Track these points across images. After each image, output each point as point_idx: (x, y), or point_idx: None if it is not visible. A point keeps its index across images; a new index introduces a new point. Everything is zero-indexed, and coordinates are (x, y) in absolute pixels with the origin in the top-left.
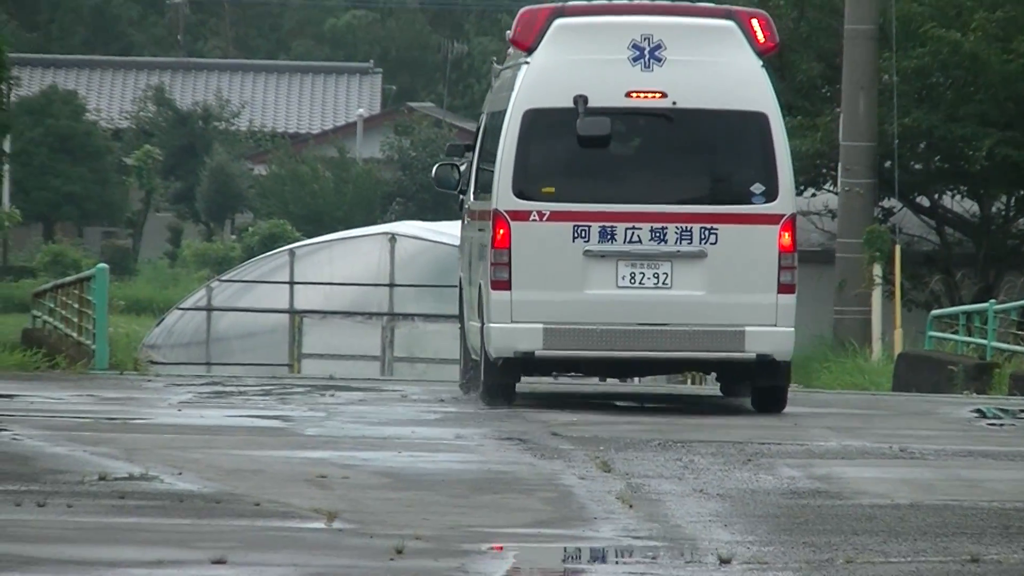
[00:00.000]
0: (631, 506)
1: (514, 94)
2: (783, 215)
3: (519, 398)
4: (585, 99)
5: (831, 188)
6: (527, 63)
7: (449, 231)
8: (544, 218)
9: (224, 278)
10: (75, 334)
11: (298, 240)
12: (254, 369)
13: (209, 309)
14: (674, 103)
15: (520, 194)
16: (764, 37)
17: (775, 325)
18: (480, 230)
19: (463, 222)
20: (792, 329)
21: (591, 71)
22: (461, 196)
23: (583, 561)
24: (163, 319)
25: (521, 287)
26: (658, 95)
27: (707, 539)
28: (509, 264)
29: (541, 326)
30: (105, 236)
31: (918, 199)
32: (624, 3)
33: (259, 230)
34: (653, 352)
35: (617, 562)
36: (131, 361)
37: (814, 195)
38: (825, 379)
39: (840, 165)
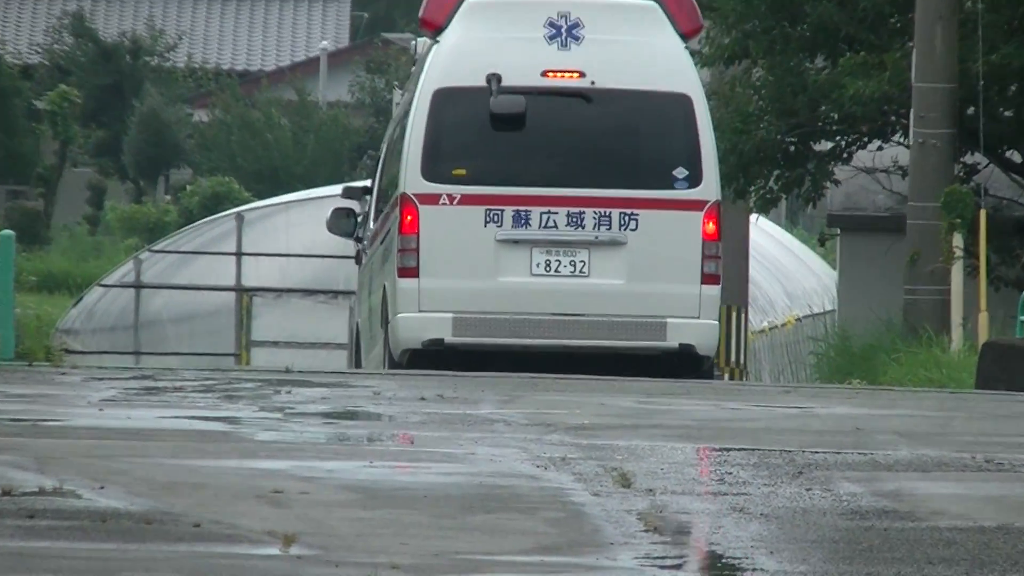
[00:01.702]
0: (655, 529)
1: (423, 75)
2: (707, 201)
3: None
4: (499, 77)
5: (901, 140)
6: (437, 43)
7: None
8: (455, 201)
9: (156, 248)
10: None
11: (247, 202)
12: (193, 360)
13: (138, 286)
14: (592, 83)
15: (429, 177)
16: (687, 19)
17: (698, 317)
18: (382, 243)
19: (359, 268)
20: (716, 322)
21: (505, 50)
22: (358, 244)
23: None
24: (81, 298)
25: (430, 275)
26: (576, 75)
27: (749, 569)
28: (417, 251)
29: (451, 315)
30: (10, 196)
31: (1008, 154)
32: None
33: (199, 190)
34: (570, 341)
35: None
36: (42, 349)
37: (880, 149)
38: (894, 373)
39: (912, 112)
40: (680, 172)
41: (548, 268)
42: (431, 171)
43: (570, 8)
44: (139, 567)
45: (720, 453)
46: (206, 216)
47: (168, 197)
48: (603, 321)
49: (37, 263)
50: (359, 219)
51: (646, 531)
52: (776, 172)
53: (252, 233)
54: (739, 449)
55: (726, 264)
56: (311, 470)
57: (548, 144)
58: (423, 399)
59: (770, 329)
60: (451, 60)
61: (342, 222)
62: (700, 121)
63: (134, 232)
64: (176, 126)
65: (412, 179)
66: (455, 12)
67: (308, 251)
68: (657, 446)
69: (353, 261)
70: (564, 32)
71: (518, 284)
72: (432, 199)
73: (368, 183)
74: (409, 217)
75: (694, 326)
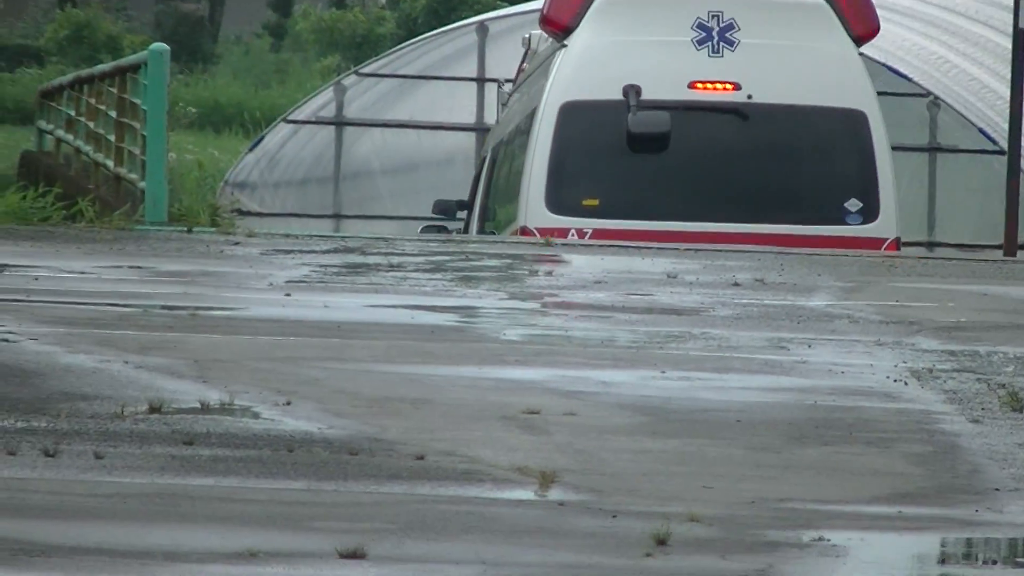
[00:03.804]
0: None
1: (548, 85)
2: (886, 240)
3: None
4: (638, 90)
5: None
6: (564, 47)
7: None
8: (585, 238)
9: (366, 70)
10: (111, 163)
11: (494, 7)
12: (416, 227)
13: (340, 123)
14: (749, 97)
15: (555, 208)
16: (863, 19)
17: None
18: None
19: None
20: None
21: (646, 56)
22: None
23: (981, 566)
24: (261, 139)
25: None
26: (729, 87)
27: None
28: None
29: None
30: None
31: None
32: None
33: None
34: None
35: None
36: (206, 210)
37: None
38: None
39: None
40: (853, 205)
41: None
42: (557, 201)
43: (723, 6)
44: (339, 515)
45: None
46: (435, 27)
47: (383, 0)
48: None
49: (199, 90)
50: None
51: None
52: None
53: (498, 51)
54: None
55: None
56: (579, 382)
57: (696, 170)
58: (736, 284)
59: None
60: (582, 68)
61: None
62: (877, 142)
63: (334, 48)
64: None
65: (534, 210)
66: (586, 9)
67: None
68: None
69: None
70: (716, 35)
71: None
72: (559, 235)
73: (466, 197)
74: None
75: None
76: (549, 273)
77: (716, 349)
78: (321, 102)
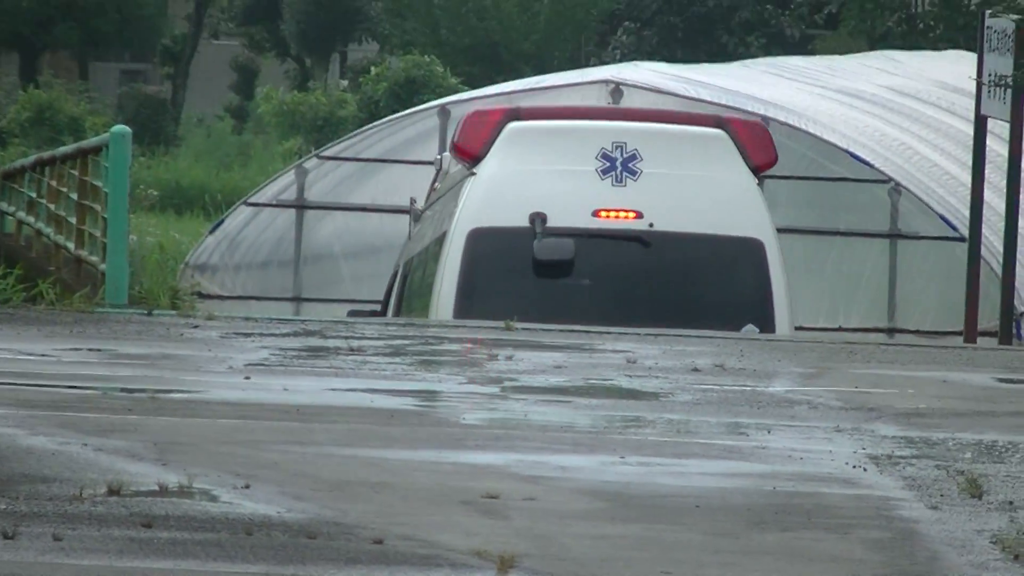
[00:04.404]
0: (1016, 557)
1: (458, 211)
2: None
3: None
4: (544, 217)
5: None
6: (473, 175)
7: (703, 78)
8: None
9: (327, 154)
10: (72, 244)
11: (454, 90)
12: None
13: (301, 206)
14: (651, 225)
15: None
16: (761, 150)
17: None
18: None
19: None
20: None
21: (551, 185)
22: None
23: None
24: (222, 222)
25: None
26: (632, 215)
27: None
28: None
29: None
30: (127, 78)
31: None
32: (592, 107)
33: (388, 73)
34: None
35: None
36: (166, 292)
37: None
38: None
39: None
40: (750, 330)
41: None
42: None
43: (626, 137)
44: None
45: None
46: (397, 109)
47: (345, 82)
48: None
49: (160, 171)
50: None
51: (1004, 560)
52: None
53: None
54: None
55: None
56: (538, 466)
57: (599, 295)
58: (696, 369)
59: None
60: (489, 196)
61: None
62: (773, 269)
63: (296, 131)
64: None
65: None
66: (495, 139)
67: None
68: (1021, 442)
69: None
70: (619, 165)
71: None
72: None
73: (378, 307)
74: None
75: None
76: (509, 357)
77: (675, 434)
78: (282, 185)
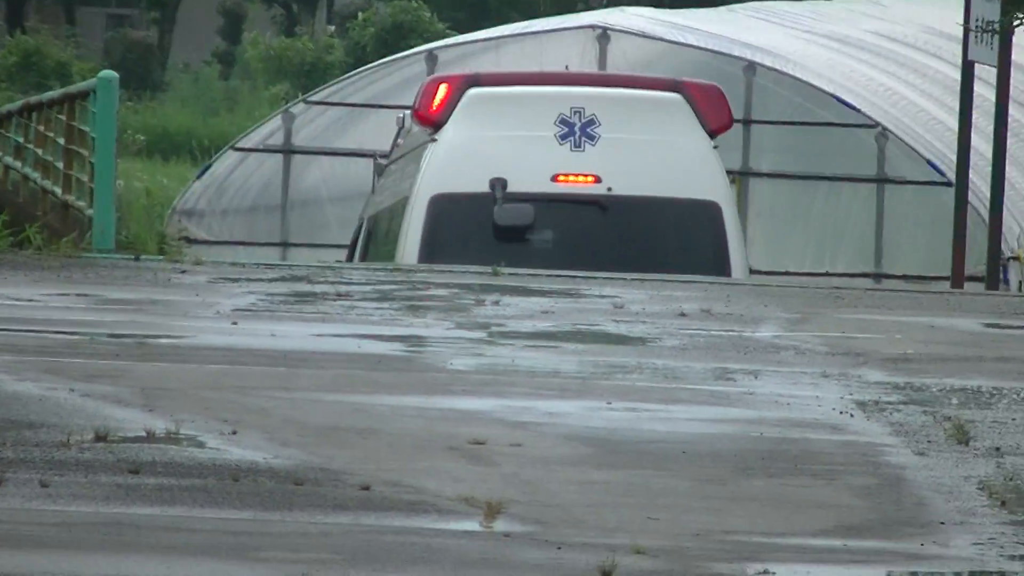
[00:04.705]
0: (1003, 503)
1: (419, 177)
2: None
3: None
4: (504, 183)
5: None
6: (433, 140)
7: (690, 23)
8: None
9: (314, 99)
10: (59, 189)
11: (441, 36)
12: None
13: (288, 151)
14: (609, 189)
15: None
16: (717, 114)
17: None
18: None
19: None
20: None
21: (511, 150)
22: None
23: None
24: (209, 167)
25: None
26: (590, 179)
27: None
28: None
29: None
30: (112, 23)
31: None
32: (551, 72)
33: (376, 18)
34: None
35: None
36: (153, 238)
37: None
38: None
39: None
40: None
41: None
42: None
43: (584, 103)
44: (285, 545)
45: None
46: (384, 55)
47: (332, 28)
48: None
49: (147, 117)
50: None
51: (991, 506)
52: None
53: None
54: None
55: None
56: (525, 412)
57: (558, 258)
58: (683, 314)
59: None
60: (450, 162)
61: None
62: (730, 231)
63: (283, 76)
64: None
65: None
66: (455, 105)
67: None
68: (1007, 388)
69: None
70: (578, 130)
71: None
72: None
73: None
74: None
75: None
76: (496, 303)
77: (662, 380)
78: (269, 130)
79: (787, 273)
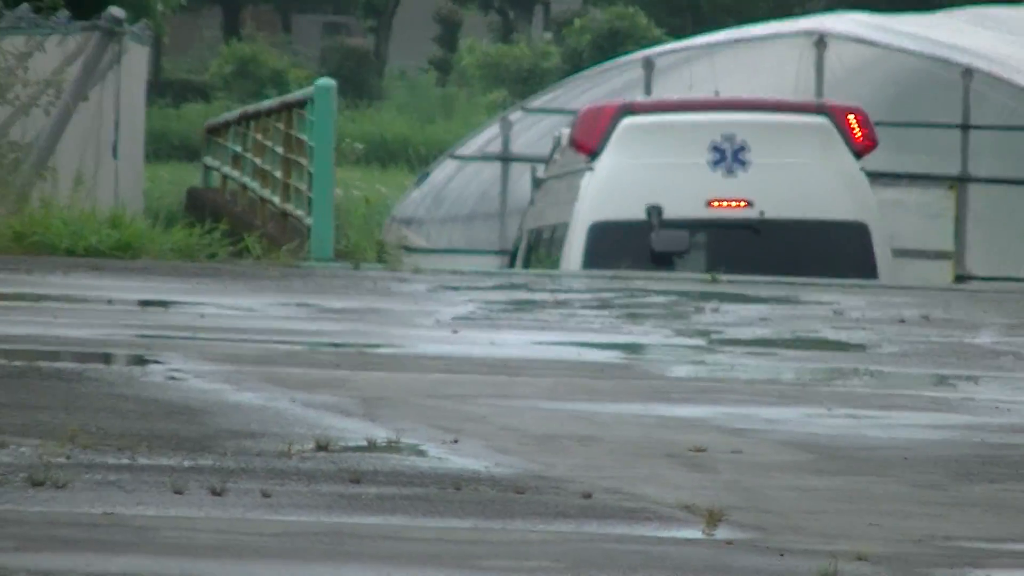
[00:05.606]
0: None
1: (577, 205)
2: None
3: None
4: (660, 210)
5: None
6: (590, 169)
7: (906, 28)
8: None
9: (532, 105)
10: (277, 199)
11: (659, 42)
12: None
13: (506, 159)
14: (762, 213)
15: None
16: (862, 134)
17: None
18: None
19: None
20: None
21: (666, 177)
22: None
23: None
24: (426, 175)
25: None
26: (743, 204)
27: None
28: None
29: None
30: (329, 31)
31: None
32: (701, 98)
33: (591, 24)
34: None
35: None
36: (372, 246)
37: None
38: None
39: None
40: None
41: None
42: None
43: (735, 129)
44: (506, 553)
45: None
46: (600, 61)
47: (548, 34)
48: None
49: (365, 125)
50: None
51: None
52: None
53: (664, 85)
54: None
55: None
56: (744, 419)
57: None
58: (902, 321)
59: None
60: (608, 190)
61: None
62: (878, 251)
63: (500, 83)
64: None
65: None
66: (610, 135)
67: None
68: None
69: None
70: (730, 156)
71: None
72: None
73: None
74: None
75: None
76: (715, 310)
77: (882, 386)
78: (487, 137)
79: (1007, 279)
